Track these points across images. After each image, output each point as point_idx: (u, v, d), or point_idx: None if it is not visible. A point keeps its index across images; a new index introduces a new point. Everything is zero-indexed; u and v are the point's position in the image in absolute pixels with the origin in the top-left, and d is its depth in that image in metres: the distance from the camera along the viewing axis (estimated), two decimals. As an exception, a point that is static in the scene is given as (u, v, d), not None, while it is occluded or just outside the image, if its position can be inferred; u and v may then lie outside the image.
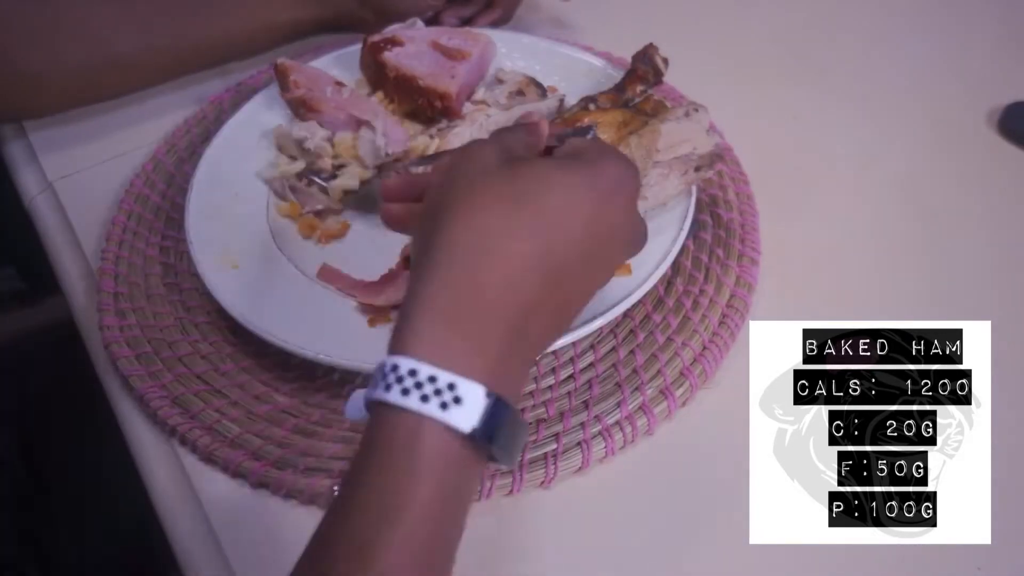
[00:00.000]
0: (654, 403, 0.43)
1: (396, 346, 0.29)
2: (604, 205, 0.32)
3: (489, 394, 0.28)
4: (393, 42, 0.56)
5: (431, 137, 0.54)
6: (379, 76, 0.56)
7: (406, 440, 0.27)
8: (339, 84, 0.56)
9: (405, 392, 0.27)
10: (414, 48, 0.56)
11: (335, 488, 0.40)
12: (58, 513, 0.83)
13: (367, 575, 0.26)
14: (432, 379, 0.27)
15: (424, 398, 0.27)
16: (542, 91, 0.57)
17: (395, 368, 0.28)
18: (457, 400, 0.27)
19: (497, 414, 0.28)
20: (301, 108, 0.55)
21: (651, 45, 0.53)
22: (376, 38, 0.57)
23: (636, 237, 0.35)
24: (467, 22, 0.67)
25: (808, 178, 0.57)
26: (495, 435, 0.28)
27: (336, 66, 0.61)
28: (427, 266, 0.30)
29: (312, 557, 0.28)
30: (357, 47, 0.61)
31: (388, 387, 0.28)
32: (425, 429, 0.27)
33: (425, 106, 0.55)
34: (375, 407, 0.28)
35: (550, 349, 0.43)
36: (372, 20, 0.63)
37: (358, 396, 0.29)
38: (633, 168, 0.34)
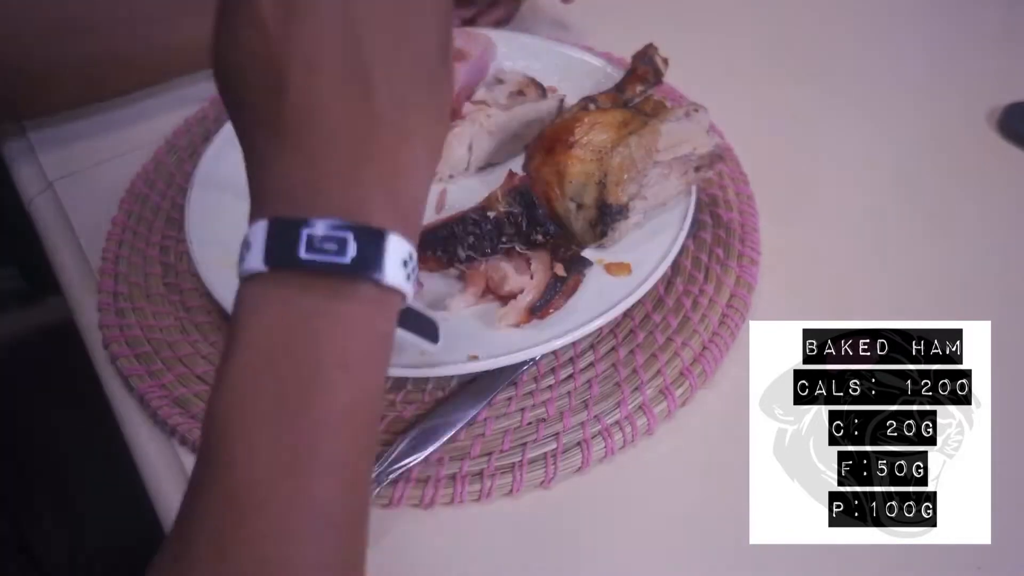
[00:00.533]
0: (654, 403, 0.43)
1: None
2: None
3: (271, 221, 0.27)
4: None
5: None
6: None
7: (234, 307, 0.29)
8: None
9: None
10: None
11: None
12: (57, 513, 0.83)
13: (210, 429, 0.27)
14: (246, 239, 0.28)
15: (245, 261, 0.28)
16: (542, 91, 0.57)
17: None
18: (247, 246, 0.28)
19: (284, 235, 0.27)
20: None
21: (651, 45, 0.53)
22: None
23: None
24: (468, 22, 0.67)
25: (808, 178, 0.57)
26: (291, 253, 0.27)
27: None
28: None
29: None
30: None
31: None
32: (240, 287, 0.29)
33: None
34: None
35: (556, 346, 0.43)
36: None
37: None
38: None
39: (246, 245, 0.28)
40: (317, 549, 0.26)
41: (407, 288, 0.28)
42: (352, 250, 0.27)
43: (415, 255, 0.29)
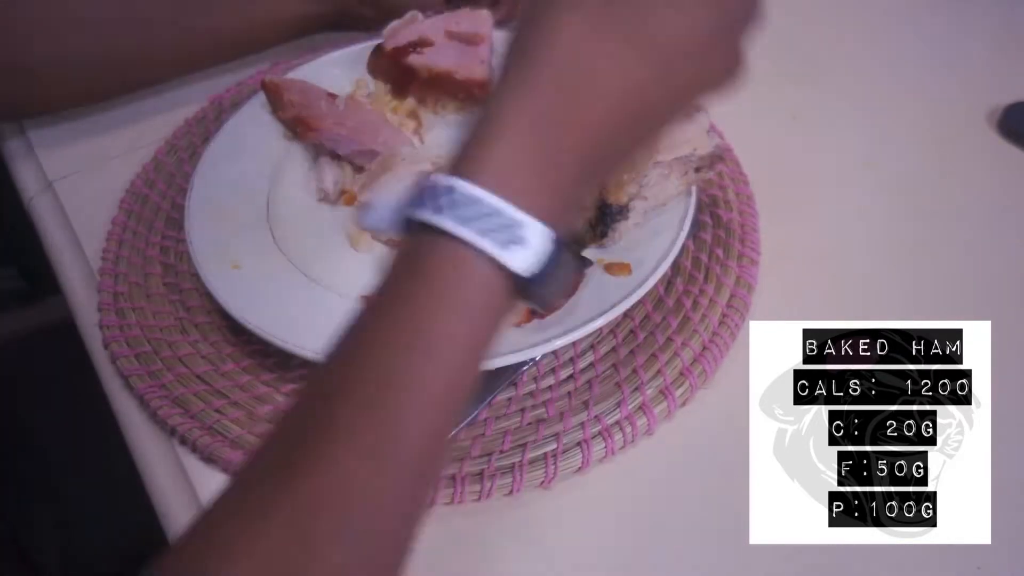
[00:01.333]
0: (654, 403, 0.43)
1: (460, 166, 0.25)
2: (725, 33, 0.28)
3: (555, 239, 0.25)
4: (422, 44, 0.55)
5: None
6: (404, 80, 0.56)
7: (454, 273, 0.25)
8: (331, 96, 0.55)
9: (462, 220, 0.24)
10: (435, 43, 0.56)
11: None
12: (54, 514, 0.82)
13: (381, 413, 0.24)
14: (497, 212, 0.24)
15: (483, 231, 0.24)
16: None
17: (450, 190, 0.25)
18: (520, 240, 0.24)
19: (555, 259, 0.25)
20: (298, 127, 0.54)
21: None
22: (394, 43, 0.56)
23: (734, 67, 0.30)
24: None
25: (808, 178, 0.57)
26: (547, 280, 0.25)
27: (335, 66, 0.61)
28: (515, 83, 0.26)
29: (307, 400, 0.25)
30: (353, 48, 0.61)
31: (439, 209, 0.24)
32: (478, 265, 0.24)
33: (466, 99, 0.54)
34: (415, 227, 0.25)
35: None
36: (372, 16, 0.63)
37: (384, 206, 0.26)
38: None
39: (518, 234, 0.25)
40: (393, 483, 0.24)
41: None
42: (557, 287, 0.26)
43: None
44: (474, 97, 0.55)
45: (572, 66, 0.26)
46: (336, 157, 0.53)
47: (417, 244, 0.25)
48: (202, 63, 0.63)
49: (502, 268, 0.25)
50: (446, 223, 0.24)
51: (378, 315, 0.25)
